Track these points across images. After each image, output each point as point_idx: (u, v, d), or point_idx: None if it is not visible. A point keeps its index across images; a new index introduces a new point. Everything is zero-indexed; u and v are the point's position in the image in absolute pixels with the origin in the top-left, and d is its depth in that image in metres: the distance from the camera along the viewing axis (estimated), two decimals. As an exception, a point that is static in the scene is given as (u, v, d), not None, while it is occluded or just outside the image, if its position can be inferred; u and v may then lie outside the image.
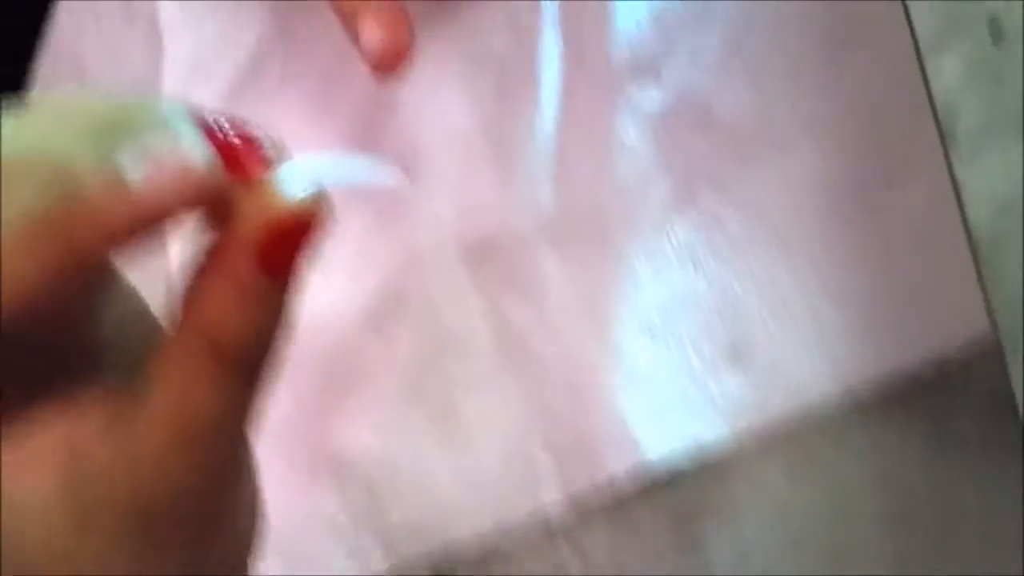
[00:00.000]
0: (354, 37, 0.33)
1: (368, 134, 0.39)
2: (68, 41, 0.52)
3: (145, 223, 0.20)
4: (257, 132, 0.23)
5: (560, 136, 0.33)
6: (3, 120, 0.22)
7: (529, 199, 0.34)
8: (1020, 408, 0.22)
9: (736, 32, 0.29)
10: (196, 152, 0.21)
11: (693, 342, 0.30)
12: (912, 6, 0.23)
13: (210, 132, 0.22)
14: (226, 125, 0.23)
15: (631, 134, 0.31)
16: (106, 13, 0.50)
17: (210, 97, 0.44)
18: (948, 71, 0.23)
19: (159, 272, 0.43)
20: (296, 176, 0.23)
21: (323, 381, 0.39)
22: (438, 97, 0.37)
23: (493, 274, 0.35)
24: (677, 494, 0.30)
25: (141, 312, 0.25)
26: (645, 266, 0.31)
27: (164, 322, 0.23)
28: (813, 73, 0.28)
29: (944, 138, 0.22)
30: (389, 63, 0.32)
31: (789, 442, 0.28)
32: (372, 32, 0.32)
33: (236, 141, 0.22)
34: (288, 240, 0.22)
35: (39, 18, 0.52)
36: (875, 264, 0.27)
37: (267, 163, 0.22)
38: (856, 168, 0.27)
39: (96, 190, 0.20)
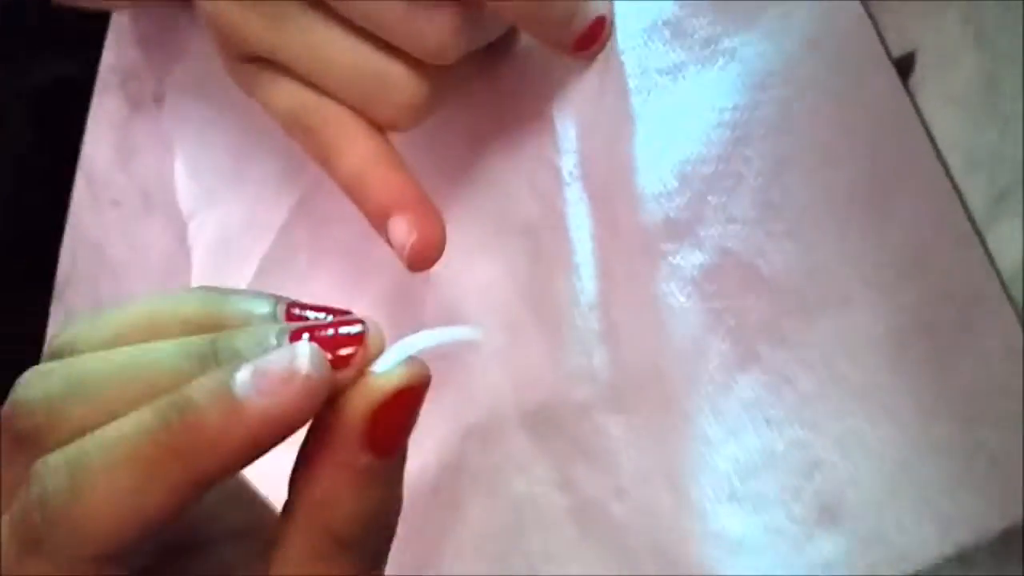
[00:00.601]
0: (384, 236, 0.32)
1: (405, 309, 0.38)
2: (88, 230, 0.52)
3: (263, 444, 0.21)
4: (346, 318, 0.24)
5: (603, 301, 0.32)
6: (96, 324, 0.23)
7: (582, 365, 0.33)
8: None
9: (769, 187, 0.28)
10: (302, 360, 0.21)
11: (782, 504, 0.29)
12: (960, 176, 0.22)
13: (308, 328, 0.23)
14: (319, 315, 0.24)
15: (678, 297, 0.30)
16: (125, 202, 0.50)
17: (241, 281, 0.44)
18: (1009, 241, 0.21)
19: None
20: (391, 353, 0.24)
21: (400, 559, 0.38)
22: (471, 267, 0.36)
23: (558, 443, 0.34)
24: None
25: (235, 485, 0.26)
26: (716, 428, 0.30)
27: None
28: (859, 222, 0.27)
29: (1013, 302, 0.21)
30: (423, 262, 0.31)
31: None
32: (403, 234, 0.31)
33: (331, 332, 0.23)
34: (394, 418, 0.23)
35: (57, 209, 0.53)
36: (958, 410, 0.26)
37: (361, 345, 0.23)
38: (921, 316, 0.26)
39: (213, 414, 0.21)
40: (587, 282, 0.33)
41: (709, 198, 0.29)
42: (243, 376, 0.21)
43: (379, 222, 0.32)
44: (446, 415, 0.37)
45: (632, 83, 0.31)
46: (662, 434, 0.31)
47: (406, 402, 0.23)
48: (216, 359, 0.22)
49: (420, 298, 0.38)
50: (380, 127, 0.33)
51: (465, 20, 0.31)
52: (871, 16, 0.24)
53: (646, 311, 0.31)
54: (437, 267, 0.33)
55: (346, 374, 0.22)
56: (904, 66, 0.23)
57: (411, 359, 0.23)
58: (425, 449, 0.37)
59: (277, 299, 0.24)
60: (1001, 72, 0.21)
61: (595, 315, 0.32)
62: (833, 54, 0.26)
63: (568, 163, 0.33)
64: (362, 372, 0.23)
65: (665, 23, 0.30)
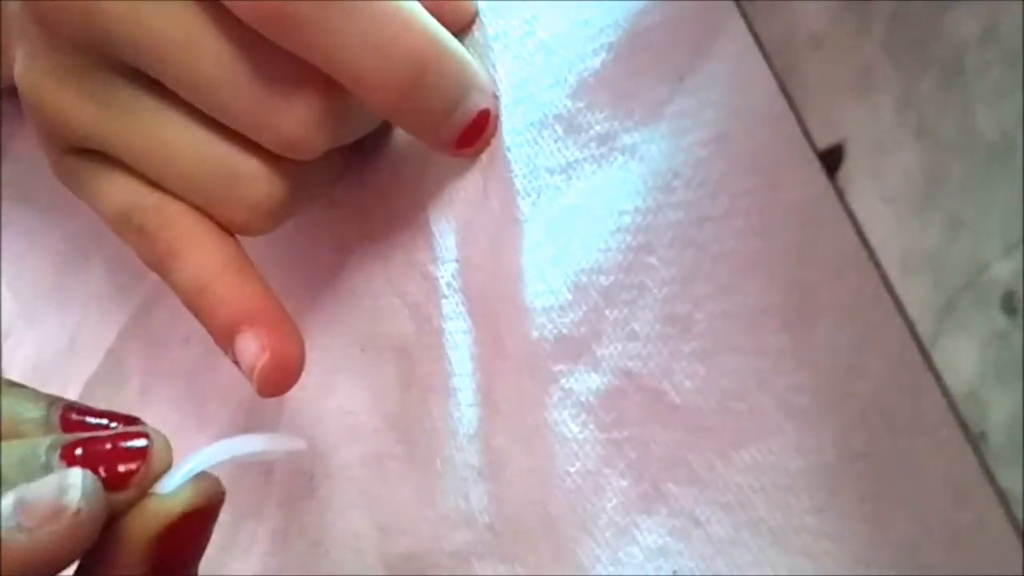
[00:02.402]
0: (231, 356, 0.28)
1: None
2: None
3: None
4: (129, 429, 0.23)
5: (484, 431, 0.29)
6: None
7: (459, 507, 0.30)
8: None
9: (675, 300, 0.25)
10: (73, 493, 0.20)
11: (692, 670, 0.26)
12: (898, 283, 0.20)
13: (83, 443, 0.22)
14: (100, 421, 0.24)
15: (571, 426, 0.27)
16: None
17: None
18: (962, 358, 0.19)
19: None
20: (180, 469, 0.23)
21: None
22: (332, 391, 0.32)
23: (431, 598, 0.30)
24: None
25: None
26: (616, 580, 0.27)
27: None
28: (778, 340, 0.24)
29: (975, 442, 0.19)
30: (276, 385, 0.28)
31: None
32: (252, 353, 0.27)
33: (110, 445, 0.22)
34: (180, 542, 0.22)
35: None
36: (896, 562, 0.23)
37: (144, 462, 0.22)
38: (850, 449, 0.24)
39: None
40: (466, 409, 0.29)
41: (607, 312, 0.26)
42: (4, 508, 0.20)
43: (225, 339, 0.28)
44: (295, 565, 0.32)
45: (519, 184, 0.28)
46: (552, 587, 0.28)
47: (194, 525, 0.22)
48: None
49: (271, 428, 0.34)
50: (229, 231, 0.29)
51: (328, 111, 0.28)
52: (791, 103, 0.22)
53: (533, 443, 0.28)
54: (292, 391, 0.29)
55: (126, 495, 0.22)
56: (831, 160, 0.21)
57: (202, 476, 0.23)
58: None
59: (52, 400, 0.24)
60: (945, 165, 0.19)
61: (475, 447, 0.29)
62: (748, 150, 0.23)
63: (445, 273, 0.30)
64: (144, 492, 0.22)
65: (556, 117, 0.27)
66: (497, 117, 0.29)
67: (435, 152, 0.30)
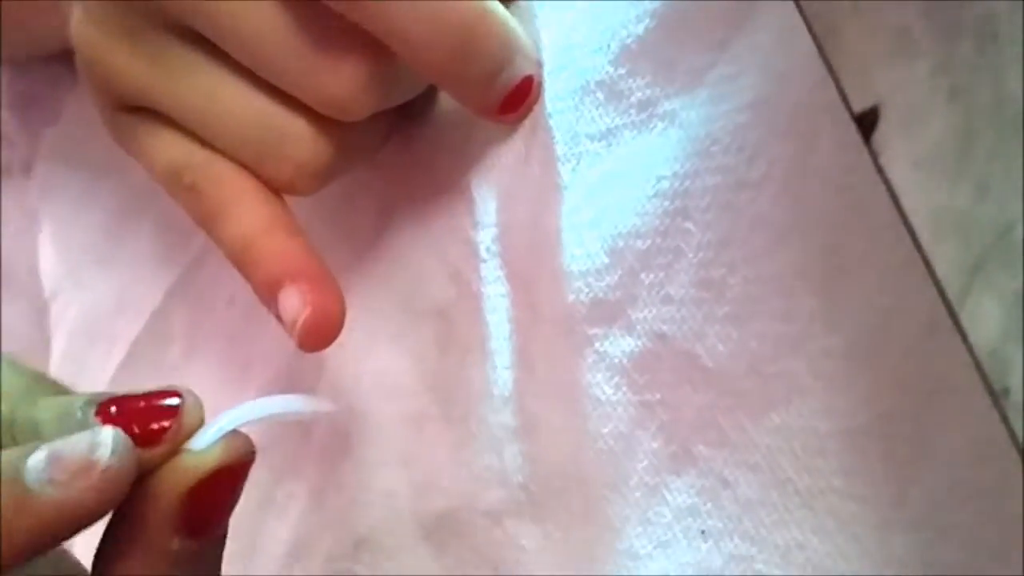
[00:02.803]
0: (273, 310, 0.29)
1: (294, 401, 0.35)
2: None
3: (58, 536, 0.20)
4: (167, 397, 0.23)
5: (519, 393, 0.30)
6: None
7: (492, 466, 0.30)
8: None
9: (710, 265, 0.26)
10: (103, 450, 0.21)
11: (717, 629, 0.26)
12: (929, 245, 0.20)
13: (118, 400, 0.23)
14: (134, 398, 0.23)
15: (604, 388, 0.28)
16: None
17: (106, 370, 0.40)
18: (985, 319, 0.20)
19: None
20: (212, 427, 0.24)
21: None
22: (371, 352, 0.33)
23: (463, 555, 0.31)
24: None
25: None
26: (644, 540, 0.28)
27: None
28: (810, 304, 0.25)
29: (996, 397, 0.19)
30: (316, 340, 0.28)
31: None
32: (294, 307, 0.28)
33: (143, 404, 0.23)
34: (211, 499, 0.23)
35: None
36: (920, 521, 0.24)
37: (175, 419, 0.23)
38: (877, 411, 0.24)
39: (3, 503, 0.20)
40: (502, 371, 0.30)
41: (642, 276, 0.27)
42: (36, 461, 0.20)
43: (268, 294, 0.29)
44: (332, 522, 0.33)
45: (560, 150, 0.29)
46: (583, 547, 0.29)
47: (224, 482, 0.23)
48: (13, 431, 0.21)
49: (312, 390, 0.35)
50: (276, 190, 0.30)
51: (375, 75, 0.28)
52: (830, 67, 0.22)
53: (568, 404, 0.29)
54: (332, 350, 0.30)
55: (158, 451, 0.22)
56: (867, 123, 0.22)
57: (233, 434, 0.23)
58: (311, 564, 0.34)
59: (95, 394, 0.24)
60: (976, 128, 0.20)
61: (509, 409, 0.30)
62: (785, 116, 0.24)
63: (486, 238, 0.31)
64: (176, 449, 0.22)
65: (598, 84, 0.28)
66: (541, 84, 0.29)
67: (479, 119, 0.30)
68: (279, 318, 0.29)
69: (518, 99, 0.29)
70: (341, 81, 0.28)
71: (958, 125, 0.20)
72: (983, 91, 0.20)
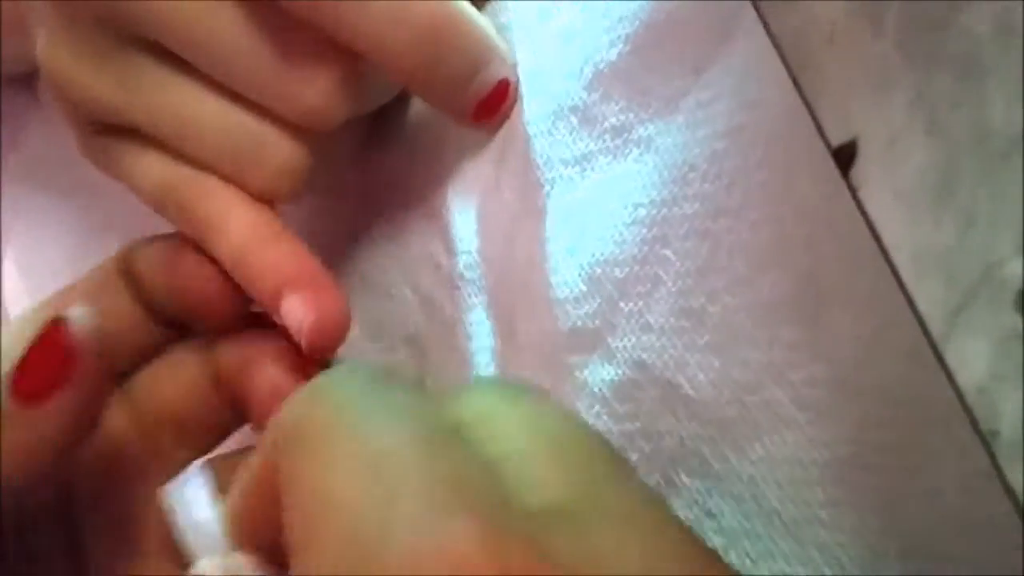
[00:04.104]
0: (279, 320, 0.29)
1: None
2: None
3: None
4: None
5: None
6: None
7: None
8: None
9: (690, 293, 0.26)
10: None
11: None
12: (912, 282, 0.20)
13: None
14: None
15: (585, 417, 0.28)
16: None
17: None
18: (974, 357, 0.20)
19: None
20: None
21: None
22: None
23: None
24: None
25: None
26: (629, 571, 0.27)
27: None
28: (792, 334, 0.25)
29: (984, 439, 0.19)
30: (324, 342, 0.28)
31: None
32: (299, 313, 0.28)
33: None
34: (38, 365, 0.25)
35: None
36: (908, 551, 0.24)
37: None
38: (863, 442, 0.24)
39: None
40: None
41: (621, 304, 0.27)
42: None
43: (273, 303, 0.29)
44: None
45: (533, 175, 0.29)
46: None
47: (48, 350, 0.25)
48: None
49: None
50: (260, 198, 0.30)
51: (347, 81, 0.28)
52: (806, 100, 0.22)
53: (548, 434, 0.28)
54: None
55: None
56: (844, 156, 0.21)
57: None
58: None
59: None
60: (958, 161, 0.20)
61: (489, 439, 0.30)
62: (762, 144, 0.24)
63: (459, 264, 0.30)
64: None
65: (572, 109, 0.28)
66: (517, 88, 0.29)
67: (449, 139, 0.30)
68: (286, 326, 0.29)
69: (494, 103, 0.29)
70: (313, 91, 0.28)
71: (939, 158, 0.20)
72: (964, 123, 0.20)
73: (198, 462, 0.26)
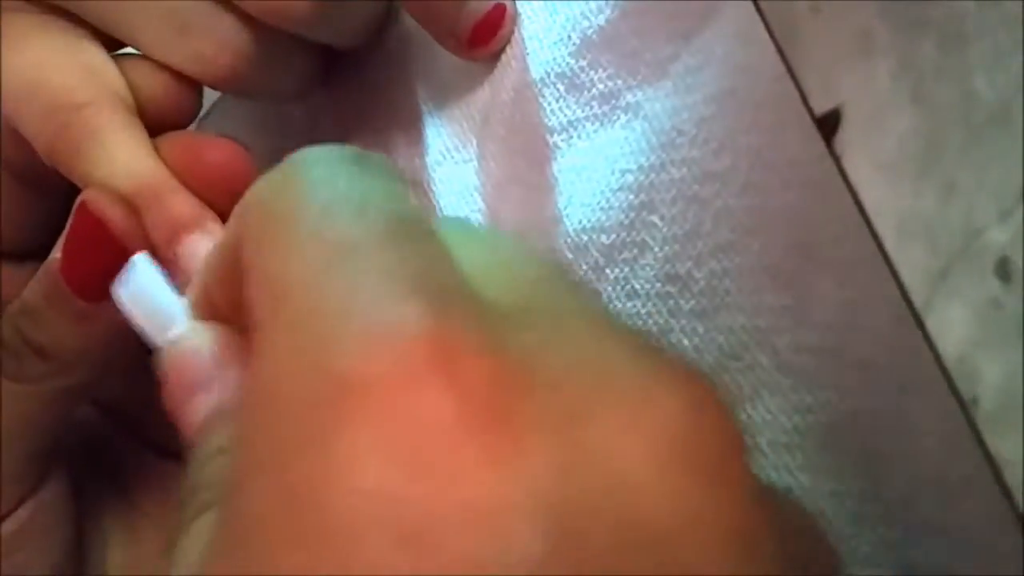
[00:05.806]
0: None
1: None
2: None
3: None
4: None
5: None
6: None
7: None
8: None
9: (676, 259, 0.26)
10: None
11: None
12: (894, 249, 0.20)
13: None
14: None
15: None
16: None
17: None
18: (955, 323, 0.20)
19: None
20: None
21: None
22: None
23: None
24: None
25: None
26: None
27: None
28: (776, 299, 0.25)
29: (965, 408, 0.20)
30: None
31: None
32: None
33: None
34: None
35: None
36: (891, 519, 0.24)
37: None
38: (845, 408, 0.24)
39: None
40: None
41: (608, 271, 0.27)
42: None
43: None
44: None
45: (518, 142, 0.29)
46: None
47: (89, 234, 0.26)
48: None
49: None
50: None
51: None
52: (790, 69, 0.22)
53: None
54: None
55: None
56: (828, 125, 0.22)
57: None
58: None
59: None
60: (942, 130, 0.20)
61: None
62: (749, 110, 0.24)
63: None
64: None
65: (558, 76, 0.28)
66: (513, 15, 0.29)
67: (431, 101, 0.30)
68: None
69: (489, 30, 0.28)
70: None
71: (922, 126, 0.21)
72: (948, 92, 0.20)
73: (141, 253, 0.24)
